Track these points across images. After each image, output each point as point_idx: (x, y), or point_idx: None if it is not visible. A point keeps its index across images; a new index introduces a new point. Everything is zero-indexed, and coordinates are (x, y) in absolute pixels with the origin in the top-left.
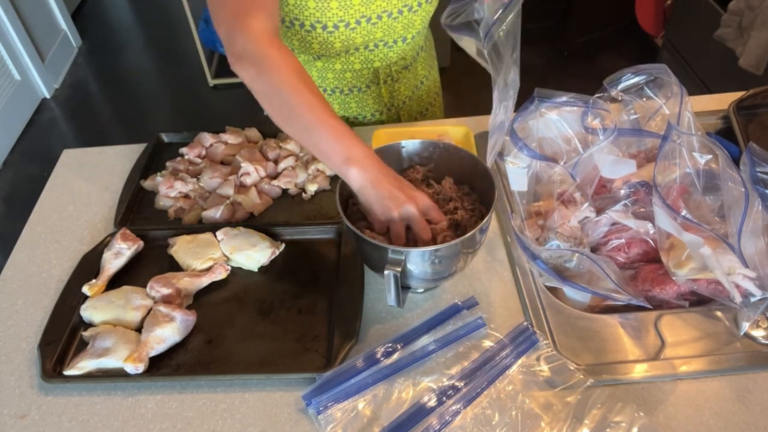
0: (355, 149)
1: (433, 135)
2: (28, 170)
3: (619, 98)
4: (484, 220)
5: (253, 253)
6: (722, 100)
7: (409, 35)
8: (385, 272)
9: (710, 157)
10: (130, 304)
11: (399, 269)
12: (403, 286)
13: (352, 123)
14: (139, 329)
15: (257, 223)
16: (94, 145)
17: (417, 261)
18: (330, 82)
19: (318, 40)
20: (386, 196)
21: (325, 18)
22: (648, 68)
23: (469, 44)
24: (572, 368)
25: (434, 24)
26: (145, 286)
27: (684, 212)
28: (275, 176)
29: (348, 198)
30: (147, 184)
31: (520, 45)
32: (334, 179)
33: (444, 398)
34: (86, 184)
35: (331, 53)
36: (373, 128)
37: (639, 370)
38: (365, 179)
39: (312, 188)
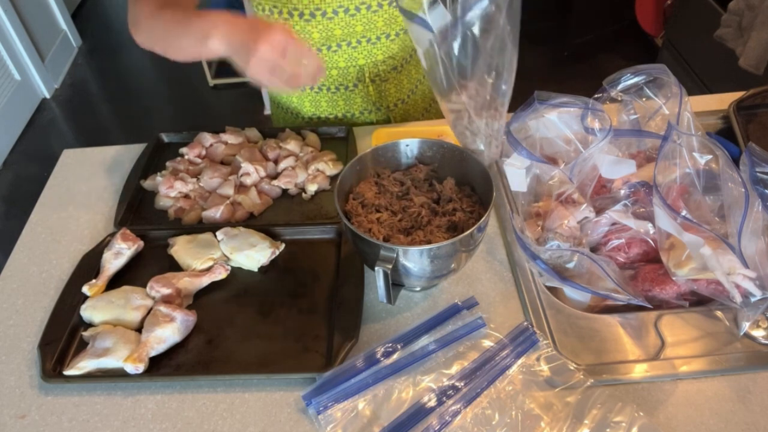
0: (204, 21)
1: (433, 135)
2: (28, 170)
3: (619, 98)
4: (481, 220)
5: (253, 253)
6: (722, 100)
7: (392, 32)
8: (376, 268)
9: (710, 157)
10: (130, 304)
11: (390, 266)
12: (398, 284)
13: (341, 121)
14: (139, 329)
15: (257, 223)
16: (94, 145)
17: (413, 259)
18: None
19: (296, 29)
20: (248, 38)
21: (302, 5)
22: (647, 68)
23: (420, 34)
24: (572, 368)
25: None
26: (145, 286)
27: (684, 212)
28: (275, 176)
29: (348, 195)
30: (147, 184)
31: (520, 46)
32: (334, 179)
33: (444, 398)
34: (86, 184)
35: (312, 44)
36: (373, 128)
37: (639, 370)
38: (225, 43)
39: (312, 188)
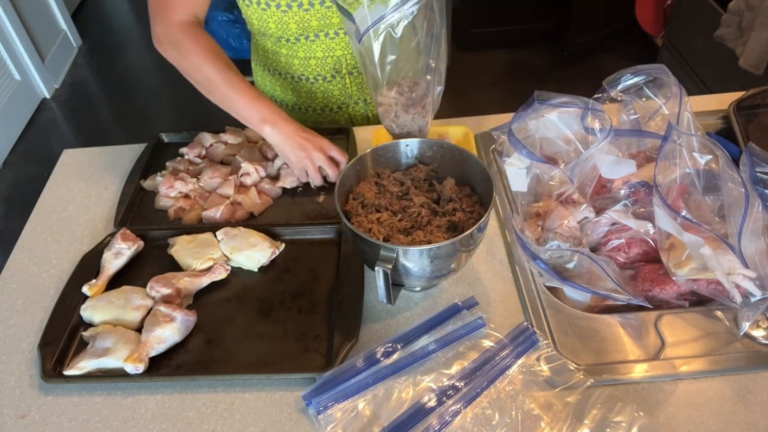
0: (267, 111)
1: (433, 135)
2: (28, 170)
3: (619, 98)
4: (481, 220)
5: (253, 253)
6: (722, 100)
7: None
8: (376, 268)
9: (710, 157)
10: (130, 304)
11: (390, 266)
12: (399, 284)
13: (319, 115)
14: (139, 329)
15: (257, 223)
16: (94, 145)
17: (413, 259)
18: (296, 69)
19: (273, 19)
20: (297, 147)
21: None
22: (647, 68)
23: (352, 32)
24: (572, 368)
25: None
26: (145, 286)
27: (684, 212)
28: (275, 176)
29: (348, 195)
30: (147, 184)
31: (520, 46)
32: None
33: (444, 398)
34: (86, 184)
35: (289, 34)
36: (373, 128)
37: (639, 370)
38: (279, 135)
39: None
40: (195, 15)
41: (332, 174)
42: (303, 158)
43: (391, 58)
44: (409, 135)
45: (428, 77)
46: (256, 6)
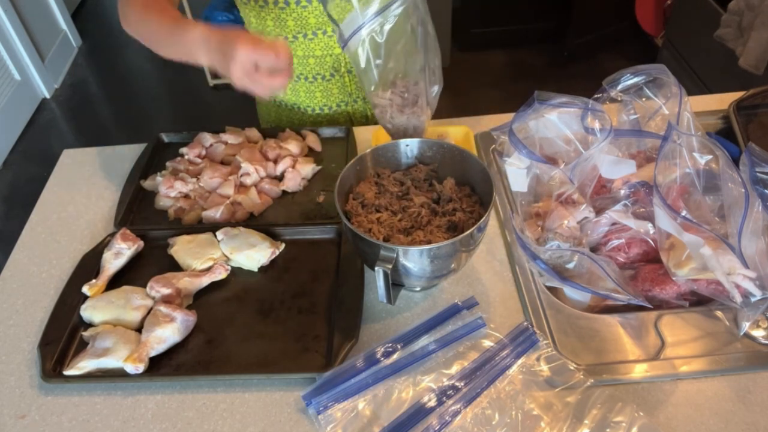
0: (187, 43)
1: (432, 135)
2: (28, 170)
3: (619, 98)
4: (481, 220)
5: (253, 253)
6: (722, 100)
7: None
8: (376, 268)
9: (710, 157)
10: (130, 304)
11: (390, 266)
12: (399, 284)
13: (319, 115)
14: (139, 329)
15: (257, 223)
16: (94, 145)
17: (413, 259)
18: (295, 68)
19: (271, 16)
20: (223, 50)
21: None
22: (647, 68)
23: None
24: (572, 368)
25: None
26: (145, 286)
27: (684, 212)
28: (275, 176)
29: (348, 195)
30: (147, 184)
31: (520, 46)
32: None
33: (444, 398)
34: (86, 184)
35: (287, 32)
36: (373, 128)
37: (639, 370)
38: (206, 57)
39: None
40: None
41: (281, 49)
42: (241, 58)
43: (378, 62)
44: (405, 134)
45: (421, 78)
46: (254, 3)
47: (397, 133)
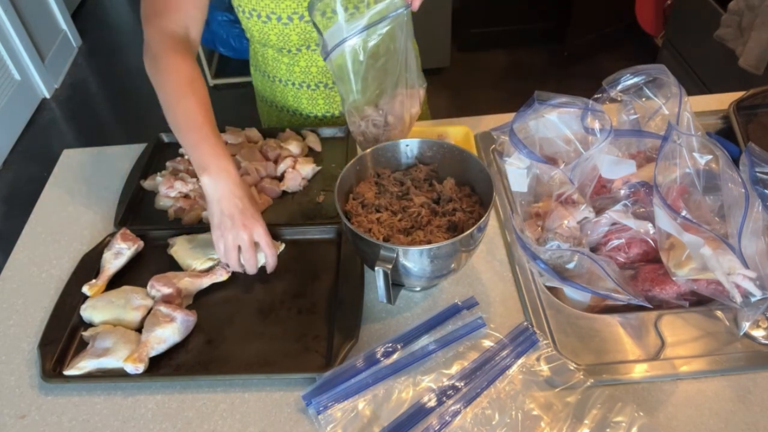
0: (212, 161)
1: (433, 135)
2: (28, 170)
3: (619, 99)
4: (481, 220)
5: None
6: (722, 100)
7: None
8: (376, 268)
9: (710, 157)
10: (130, 304)
11: (390, 266)
12: (399, 284)
13: (323, 121)
14: (139, 329)
15: None
16: (94, 145)
17: (413, 259)
18: (297, 77)
19: (275, 32)
20: (226, 215)
21: (279, 9)
22: (647, 69)
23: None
24: (572, 368)
25: (425, 26)
26: (145, 286)
27: (684, 212)
28: (275, 177)
29: (348, 195)
30: (147, 184)
31: (520, 46)
32: (333, 179)
33: (444, 398)
34: (86, 184)
35: (290, 45)
36: None
37: (639, 370)
38: (214, 192)
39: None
40: (186, 30)
41: (249, 266)
42: (225, 229)
43: (357, 76)
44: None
45: (398, 97)
46: (257, 19)
47: (366, 145)
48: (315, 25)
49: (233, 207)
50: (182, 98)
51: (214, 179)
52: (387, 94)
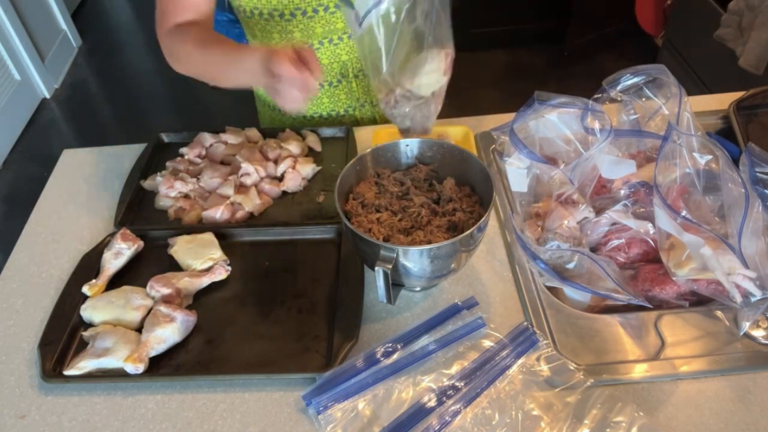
0: (247, 55)
1: (433, 135)
2: (28, 170)
3: (619, 99)
4: (481, 220)
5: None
6: (722, 100)
7: None
8: (376, 268)
9: (710, 157)
10: (130, 304)
11: (390, 266)
12: (399, 284)
13: (326, 120)
14: (139, 329)
15: (257, 223)
16: (94, 145)
17: (413, 259)
18: None
19: (277, 29)
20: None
21: (282, 6)
22: (647, 69)
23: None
24: (572, 368)
25: None
26: (145, 286)
27: (684, 212)
28: (275, 177)
29: (348, 195)
30: (147, 184)
31: (520, 46)
32: (333, 179)
33: (444, 398)
34: (86, 184)
35: (293, 44)
36: (374, 128)
37: (639, 370)
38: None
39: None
40: (191, 19)
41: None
42: (275, 84)
43: (390, 45)
44: (411, 125)
45: (433, 67)
46: (259, 17)
47: (402, 122)
48: None
49: (262, 56)
50: (210, 59)
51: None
52: (415, 60)
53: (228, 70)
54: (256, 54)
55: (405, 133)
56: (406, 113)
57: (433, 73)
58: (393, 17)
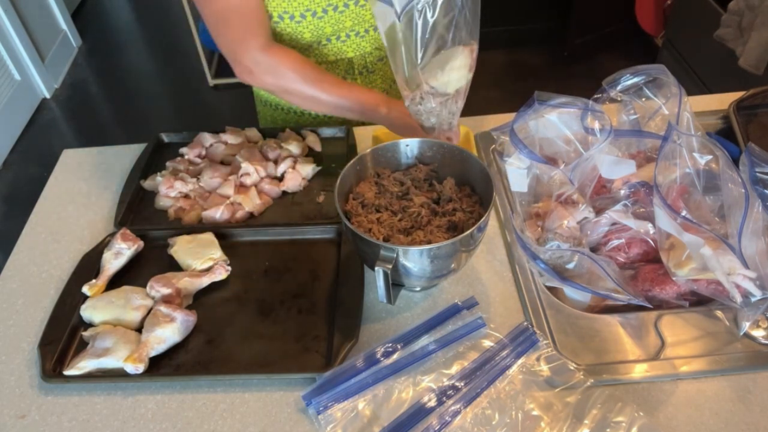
0: (375, 97)
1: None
2: (28, 170)
3: (619, 99)
4: (481, 220)
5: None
6: (722, 100)
7: None
8: (376, 268)
9: (710, 157)
10: (130, 304)
11: (390, 266)
12: (399, 284)
13: (326, 120)
14: (139, 329)
15: (257, 223)
16: (94, 145)
17: (413, 259)
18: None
19: (287, 31)
20: (406, 128)
21: (292, 8)
22: (647, 69)
23: (383, 12)
24: (572, 368)
25: None
26: (145, 286)
27: (684, 212)
28: (275, 177)
29: (348, 195)
30: (147, 184)
31: (520, 46)
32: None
33: (444, 398)
34: (86, 184)
35: (302, 44)
36: (373, 128)
37: (639, 370)
38: (390, 117)
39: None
40: (268, 33)
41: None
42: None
43: (425, 39)
44: (437, 124)
45: (460, 63)
46: (289, 20)
47: (428, 120)
48: None
49: (408, 119)
50: (316, 83)
51: (387, 108)
52: (442, 56)
53: (344, 114)
54: (384, 110)
55: (430, 131)
56: (432, 109)
57: (460, 69)
58: (429, 11)
